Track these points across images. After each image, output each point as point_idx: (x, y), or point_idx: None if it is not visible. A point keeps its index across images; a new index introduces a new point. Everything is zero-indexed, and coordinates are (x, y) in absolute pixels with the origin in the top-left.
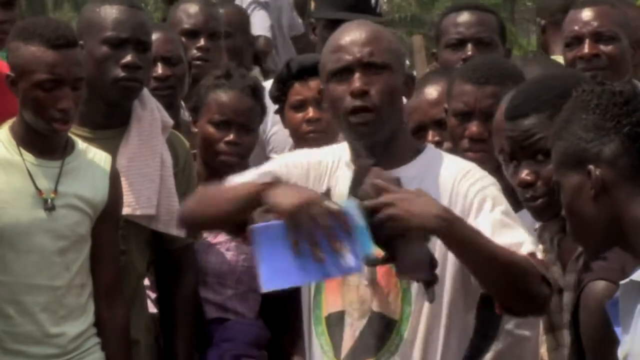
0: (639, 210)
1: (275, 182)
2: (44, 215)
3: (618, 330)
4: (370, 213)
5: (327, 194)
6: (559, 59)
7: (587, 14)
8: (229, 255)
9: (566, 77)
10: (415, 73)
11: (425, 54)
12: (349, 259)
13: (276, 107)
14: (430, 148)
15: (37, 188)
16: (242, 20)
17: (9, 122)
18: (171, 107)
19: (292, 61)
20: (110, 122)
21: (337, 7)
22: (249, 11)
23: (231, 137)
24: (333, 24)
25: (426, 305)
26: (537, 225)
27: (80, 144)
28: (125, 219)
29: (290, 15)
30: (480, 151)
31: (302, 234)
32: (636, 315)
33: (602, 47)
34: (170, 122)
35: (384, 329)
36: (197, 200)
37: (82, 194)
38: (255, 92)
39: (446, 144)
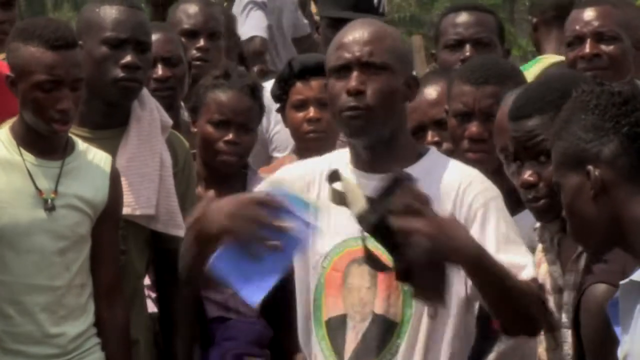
0: (638, 210)
1: (201, 214)
2: (44, 216)
3: (618, 330)
4: (396, 231)
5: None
6: (551, 57)
7: (588, 13)
8: None
9: (570, 78)
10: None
11: (425, 54)
12: (299, 231)
13: (277, 106)
14: (432, 151)
15: (37, 188)
16: (227, 21)
17: (10, 122)
18: (171, 107)
19: (294, 60)
20: (110, 122)
21: (340, 7)
22: (245, 11)
23: (230, 136)
24: (336, 23)
25: (427, 307)
26: (537, 224)
27: (81, 145)
28: (124, 218)
29: (294, 16)
30: (480, 151)
31: (245, 240)
32: (636, 315)
33: (604, 47)
34: (170, 122)
35: (385, 331)
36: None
37: (82, 195)
38: (254, 91)
39: (445, 145)
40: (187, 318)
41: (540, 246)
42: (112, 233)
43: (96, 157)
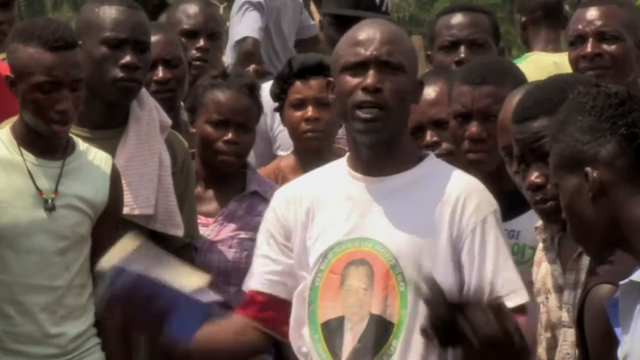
0: (637, 210)
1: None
2: (44, 216)
3: (618, 330)
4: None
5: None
6: (540, 55)
7: (592, 13)
8: (232, 252)
9: (575, 80)
10: None
11: (424, 54)
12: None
13: (276, 105)
14: (432, 157)
15: (37, 188)
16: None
17: (10, 122)
18: (172, 108)
19: (293, 59)
20: (109, 122)
21: (342, 4)
22: (241, 11)
23: (230, 136)
24: (339, 22)
25: (423, 309)
26: (538, 223)
27: (82, 145)
28: (123, 218)
29: (299, 18)
30: (480, 151)
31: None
32: (636, 315)
33: (606, 47)
34: (169, 122)
35: (382, 331)
36: None
37: (82, 195)
38: (253, 91)
39: (445, 144)
40: None
41: (540, 245)
42: (112, 233)
43: (97, 157)
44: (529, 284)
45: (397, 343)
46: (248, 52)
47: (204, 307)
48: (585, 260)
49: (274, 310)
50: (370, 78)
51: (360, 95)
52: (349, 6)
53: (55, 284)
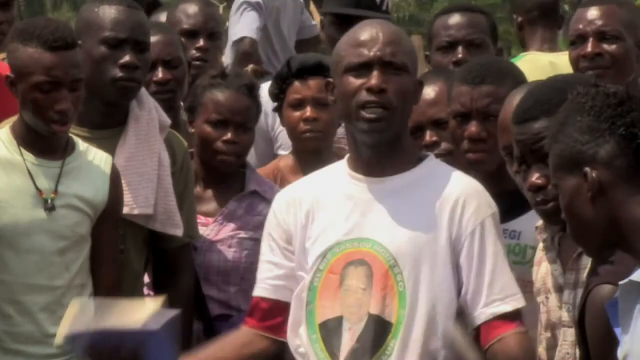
0: (636, 211)
1: None
2: (44, 216)
3: (618, 330)
4: None
5: None
6: (536, 55)
7: (592, 12)
8: (232, 252)
9: (576, 80)
10: None
11: (423, 55)
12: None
13: (275, 105)
14: (432, 158)
15: (37, 188)
16: None
17: (11, 122)
18: (171, 109)
19: (292, 60)
20: (109, 122)
21: (343, 4)
22: (239, 12)
23: (229, 136)
24: (340, 22)
25: (421, 309)
26: (539, 223)
27: (82, 145)
28: (122, 218)
29: (299, 18)
30: (480, 151)
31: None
32: (635, 315)
33: (606, 47)
34: (168, 121)
35: (380, 331)
36: None
37: (82, 195)
38: (252, 91)
39: (444, 144)
40: (185, 318)
41: (541, 245)
42: (112, 233)
43: (97, 157)
44: (529, 283)
45: (395, 343)
46: (246, 52)
47: (169, 330)
48: (586, 260)
49: (280, 315)
50: (375, 79)
51: (364, 96)
52: (349, 5)
53: (55, 284)
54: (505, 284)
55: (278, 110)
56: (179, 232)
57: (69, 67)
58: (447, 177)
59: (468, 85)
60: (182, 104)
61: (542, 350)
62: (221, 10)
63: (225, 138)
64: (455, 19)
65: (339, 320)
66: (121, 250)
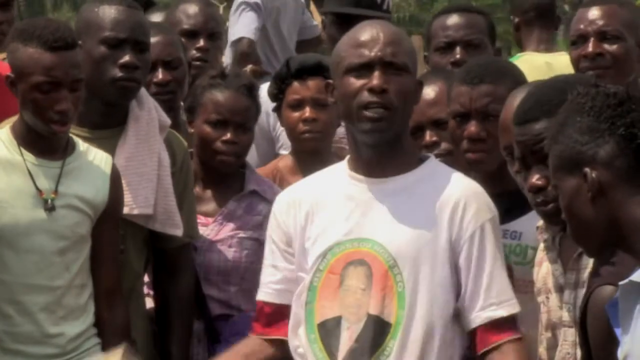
0: (636, 211)
1: None
2: (44, 216)
3: (618, 331)
4: None
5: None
6: (532, 55)
7: (593, 12)
8: (232, 252)
9: (576, 80)
10: None
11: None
12: None
13: (274, 105)
14: (432, 159)
15: (37, 188)
16: None
17: (10, 122)
18: (171, 109)
19: (291, 60)
20: (108, 121)
21: (343, 3)
22: (238, 12)
23: (228, 136)
24: (341, 21)
25: (420, 310)
26: (539, 223)
27: (82, 145)
28: (122, 218)
29: (299, 19)
30: (479, 151)
31: None
32: (635, 315)
33: (607, 46)
34: (168, 121)
35: (379, 331)
36: None
37: (82, 195)
38: (251, 91)
39: (444, 144)
40: (184, 318)
41: (542, 245)
42: (112, 233)
43: (97, 157)
44: (530, 283)
45: (394, 343)
46: (244, 52)
47: None
48: (586, 260)
49: (285, 318)
50: (376, 79)
51: (366, 96)
52: (350, 4)
53: (55, 284)
54: (501, 288)
55: (277, 110)
56: (178, 232)
57: (68, 67)
58: (447, 179)
59: (467, 85)
60: (182, 104)
61: (542, 350)
62: (221, 10)
63: (224, 138)
64: (453, 19)
65: (337, 320)
66: (121, 250)
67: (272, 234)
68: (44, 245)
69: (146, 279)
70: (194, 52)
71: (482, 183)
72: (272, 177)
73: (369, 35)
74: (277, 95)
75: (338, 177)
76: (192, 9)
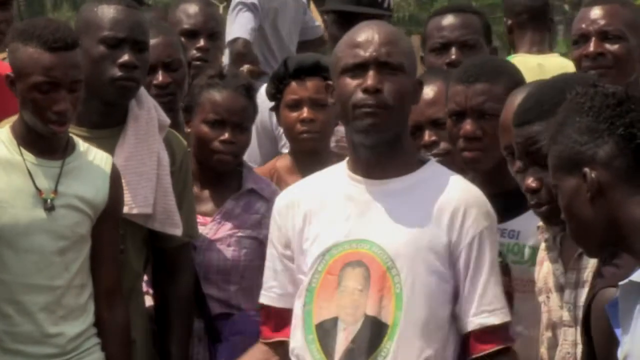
0: (636, 211)
1: None
2: (43, 215)
3: (618, 331)
4: None
5: None
6: (524, 57)
7: (595, 12)
8: (231, 251)
9: (577, 80)
10: None
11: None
12: None
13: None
14: (433, 162)
15: (37, 188)
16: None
17: (10, 122)
18: (171, 110)
19: (289, 59)
20: (107, 121)
21: (344, 1)
22: (234, 12)
23: (226, 136)
24: (342, 20)
25: (417, 311)
26: (540, 223)
27: (82, 145)
28: (122, 218)
29: (301, 19)
30: (475, 150)
31: None
32: (635, 315)
33: (608, 46)
34: (167, 121)
35: (376, 333)
36: None
37: (82, 195)
38: (249, 91)
39: (443, 144)
40: (183, 318)
41: (543, 245)
42: (112, 233)
43: (97, 157)
44: (528, 282)
45: (391, 344)
46: (239, 52)
47: None
48: (587, 260)
49: (290, 321)
50: (370, 79)
51: (360, 96)
52: (350, 2)
53: (55, 284)
54: (495, 296)
55: (275, 109)
56: (178, 231)
57: (68, 67)
58: (448, 182)
59: (462, 83)
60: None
61: (543, 350)
62: (221, 10)
63: (222, 138)
64: (448, 20)
65: (334, 321)
66: (120, 249)
67: (272, 237)
68: (43, 245)
69: (145, 277)
70: (194, 52)
71: (480, 182)
72: (270, 176)
73: (365, 35)
74: (275, 95)
75: (337, 178)
76: (192, 8)
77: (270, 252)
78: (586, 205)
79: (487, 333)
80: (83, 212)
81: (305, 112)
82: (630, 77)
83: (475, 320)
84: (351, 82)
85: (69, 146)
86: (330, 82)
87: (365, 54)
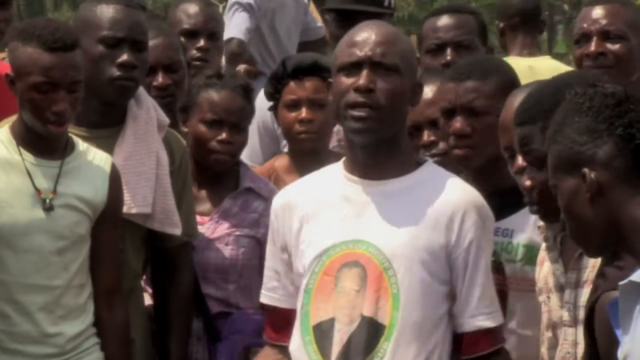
0: (635, 211)
1: None
2: (42, 215)
3: (618, 331)
4: None
5: None
6: (515, 59)
7: (597, 12)
8: (229, 250)
9: (577, 81)
10: None
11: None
12: None
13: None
14: (430, 163)
15: (35, 188)
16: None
17: (10, 121)
18: (171, 110)
19: (288, 59)
20: (106, 121)
21: (345, 0)
22: (230, 12)
23: (223, 136)
24: (342, 18)
25: (414, 312)
26: (541, 223)
27: (81, 145)
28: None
29: (301, 19)
30: (465, 147)
31: None
32: (635, 315)
33: (609, 46)
34: (167, 120)
35: (373, 333)
36: None
37: (81, 195)
38: (247, 91)
39: (442, 144)
40: (183, 317)
41: (543, 245)
42: (111, 233)
43: (96, 157)
44: (521, 281)
45: (388, 345)
46: (233, 53)
47: None
48: (587, 260)
49: (292, 322)
50: (362, 79)
51: (352, 96)
52: (350, 1)
53: (54, 284)
54: (491, 299)
55: (273, 109)
56: (177, 230)
57: (67, 68)
58: (445, 183)
59: (453, 81)
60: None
61: (544, 350)
62: (221, 10)
63: (219, 138)
64: (443, 20)
65: (331, 322)
66: (120, 249)
67: (271, 237)
68: (42, 245)
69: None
70: (194, 52)
71: (473, 181)
72: (268, 176)
73: (362, 35)
74: (273, 95)
75: (333, 179)
76: (193, 8)
77: (270, 251)
78: (586, 206)
79: (482, 335)
80: (82, 212)
81: (303, 112)
82: (631, 76)
83: (472, 322)
84: (346, 81)
85: (69, 146)
86: (331, 81)
87: (360, 53)
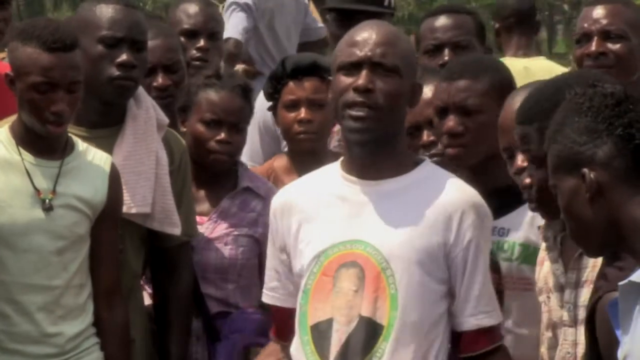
0: (635, 211)
1: None
2: (41, 215)
3: (618, 332)
4: None
5: None
6: (510, 60)
7: (598, 11)
8: (228, 249)
9: (577, 80)
10: None
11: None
12: None
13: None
14: (428, 162)
15: (35, 188)
16: None
17: (9, 121)
18: (170, 111)
19: (287, 59)
20: (106, 120)
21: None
22: (228, 12)
23: (222, 136)
24: (342, 18)
25: (413, 312)
26: (541, 222)
27: (81, 145)
28: (121, 217)
29: (301, 20)
30: (458, 146)
31: None
32: (635, 315)
33: (610, 46)
34: (166, 120)
35: (371, 333)
36: None
37: (81, 195)
38: (245, 91)
39: (441, 144)
40: (183, 317)
41: (543, 245)
42: (111, 233)
43: (96, 157)
44: (518, 280)
45: (386, 345)
46: (230, 53)
47: None
48: (587, 260)
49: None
50: (361, 79)
51: (351, 95)
52: (350, 0)
53: (53, 284)
54: (490, 298)
55: (272, 109)
56: (176, 230)
57: (66, 68)
58: (444, 183)
59: (446, 80)
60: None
61: (544, 350)
62: (221, 10)
63: (218, 138)
64: (441, 21)
65: (329, 322)
66: (119, 249)
67: (270, 237)
68: (42, 245)
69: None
70: (194, 52)
71: (469, 180)
72: (267, 176)
73: (363, 35)
74: (272, 95)
75: (331, 179)
76: (193, 8)
77: (270, 251)
78: (585, 206)
79: (481, 333)
80: (82, 212)
81: (302, 113)
82: (632, 76)
83: (471, 320)
84: (345, 80)
85: (68, 146)
86: (330, 79)
87: (360, 53)
